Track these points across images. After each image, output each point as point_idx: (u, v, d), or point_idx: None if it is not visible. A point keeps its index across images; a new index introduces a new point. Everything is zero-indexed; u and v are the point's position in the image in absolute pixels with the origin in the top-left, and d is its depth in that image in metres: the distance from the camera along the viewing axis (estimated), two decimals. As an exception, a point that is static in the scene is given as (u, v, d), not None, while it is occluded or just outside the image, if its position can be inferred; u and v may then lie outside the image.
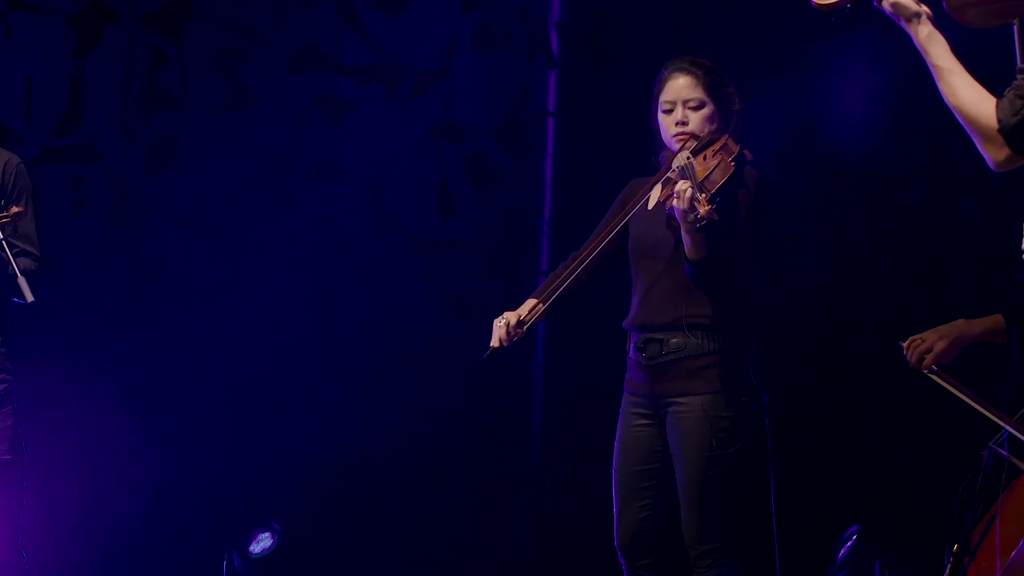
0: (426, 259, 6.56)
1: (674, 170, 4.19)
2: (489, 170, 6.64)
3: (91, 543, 5.96)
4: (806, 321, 6.33)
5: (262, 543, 5.98)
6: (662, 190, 4.24)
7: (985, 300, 5.77)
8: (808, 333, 6.33)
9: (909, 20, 3.10)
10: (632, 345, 4.41)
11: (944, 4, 3.08)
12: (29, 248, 4.55)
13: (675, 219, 4.12)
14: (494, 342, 4.38)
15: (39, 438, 5.29)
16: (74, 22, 6.04)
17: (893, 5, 3.11)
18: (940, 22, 3.11)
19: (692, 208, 4.01)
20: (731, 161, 4.21)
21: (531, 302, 4.43)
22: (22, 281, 4.25)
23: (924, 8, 3.10)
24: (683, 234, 4.14)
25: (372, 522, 6.41)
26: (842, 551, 5.63)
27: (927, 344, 4.11)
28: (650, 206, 4.32)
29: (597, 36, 6.63)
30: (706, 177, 4.14)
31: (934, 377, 4.14)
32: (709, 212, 3.98)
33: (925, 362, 4.11)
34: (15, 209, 4.34)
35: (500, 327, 4.37)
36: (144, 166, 6.17)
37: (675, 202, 4.05)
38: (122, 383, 6.08)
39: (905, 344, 4.17)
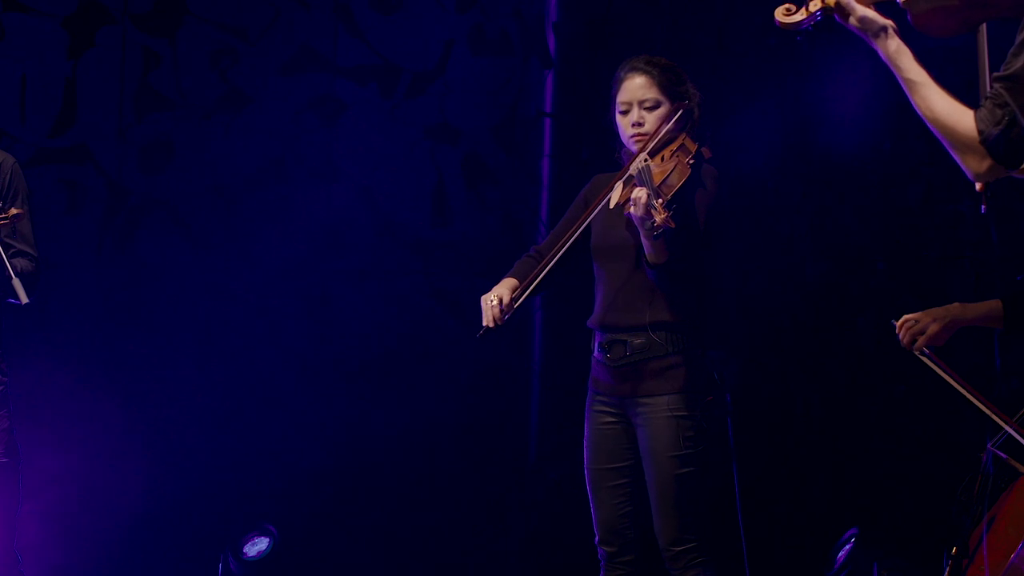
0: (422, 261, 6.54)
1: (633, 172, 4.19)
2: (485, 171, 6.61)
3: (86, 546, 5.94)
4: (803, 323, 6.32)
5: (257, 546, 5.96)
6: (623, 189, 4.25)
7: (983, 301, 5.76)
8: (805, 334, 6.32)
9: (876, 35, 3.08)
10: (597, 345, 4.42)
11: (908, 16, 3.06)
12: (26, 249, 4.53)
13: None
14: (488, 321, 4.32)
15: (34, 440, 5.27)
16: (68, 22, 6.01)
17: (860, 20, 3.09)
18: (904, 33, 3.10)
19: (649, 215, 4.01)
20: (688, 161, 4.22)
21: (511, 282, 4.40)
22: (16, 283, 4.22)
23: (890, 22, 3.08)
24: (643, 239, 4.15)
25: (367, 524, 6.39)
26: (840, 554, 5.62)
27: (921, 325, 4.09)
28: (612, 205, 4.30)
29: (594, 37, 6.62)
30: (663, 181, 4.14)
31: (925, 360, 4.13)
32: (666, 220, 3.98)
33: (917, 344, 4.10)
34: (13, 211, 4.32)
35: (493, 306, 4.32)
36: (138, 167, 6.15)
37: (632, 209, 4.06)
38: (117, 385, 6.05)
39: (898, 323, 4.15)
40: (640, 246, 4.21)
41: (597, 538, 4.44)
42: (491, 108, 6.60)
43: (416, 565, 6.42)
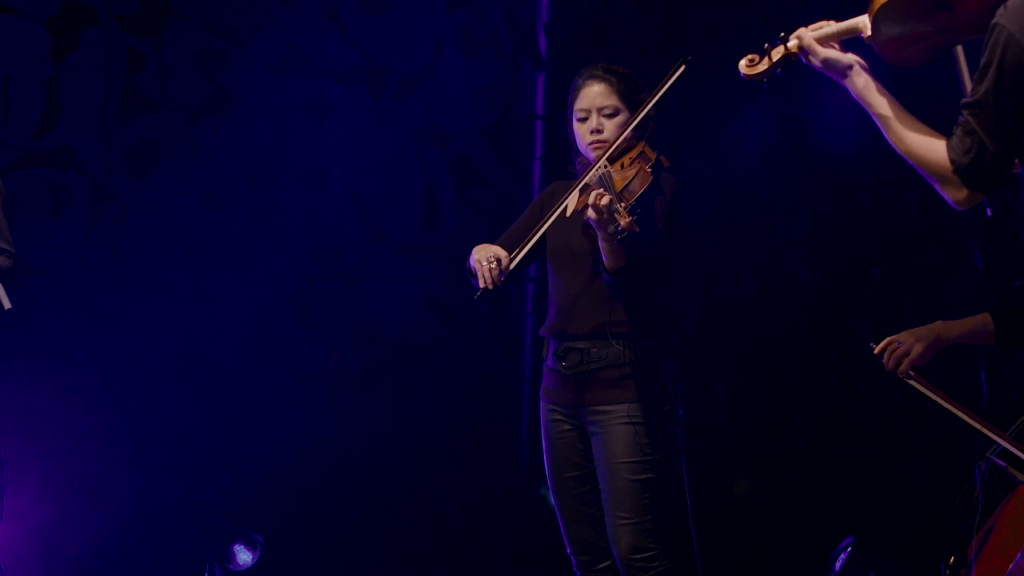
0: (411, 265, 6.49)
1: (592, 178, 4.16)
2: (476, 174, 6.57)
3: (71, 555, 5.90)
4: (799, 329, 6.29)
5: (244, 556, 5.93)
6: (580, 197, 4.23)
7: (981, 306, 5.72)
8: (801, 340, 6.29)
9: (843, 75, 3.09)
10: (551, 353, 4.40)
11: (875, 48, 3.04)
12: (3, 245, 4.49)
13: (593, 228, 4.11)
14: (487, 283, 4.25)
15: (18, 448, 5.22)
16: (52, 24, 5.96)
17: (824, 62, 3.11)
18: (875, 65, 3.06)
19: (612, 220, 3.99)
20: (649, 169, 4.20)
21: (499, 248, 4.33)
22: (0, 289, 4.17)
23: (855, 59, 3.08)
24: (601, 243, 4.12)
25: (356, 533, 6.35)
26: (837, 563, 5.59)
27: (904, 347, 4.00)
28: (568, 213, 4.29)
29: (586, 39, 6.57)
30: (625, 187, 4.14)
31: (912, 383, 4.05)
32: (630, 224, 3.96)
33: (902, 367, 4.00)
34: (-11, 206, 4.28)
35: (492, 268, 4.25)
36: (123, 170, 6.10)
37: (593, 213, 4.03)
38: (102, 392, 6.01)
39: (878, 347, 4.05)
40: (598, 253, 4.17)
41: (569, 549, 4.42)
42: (482, 110, 6.56)
43: (406, 574, 6.37)
